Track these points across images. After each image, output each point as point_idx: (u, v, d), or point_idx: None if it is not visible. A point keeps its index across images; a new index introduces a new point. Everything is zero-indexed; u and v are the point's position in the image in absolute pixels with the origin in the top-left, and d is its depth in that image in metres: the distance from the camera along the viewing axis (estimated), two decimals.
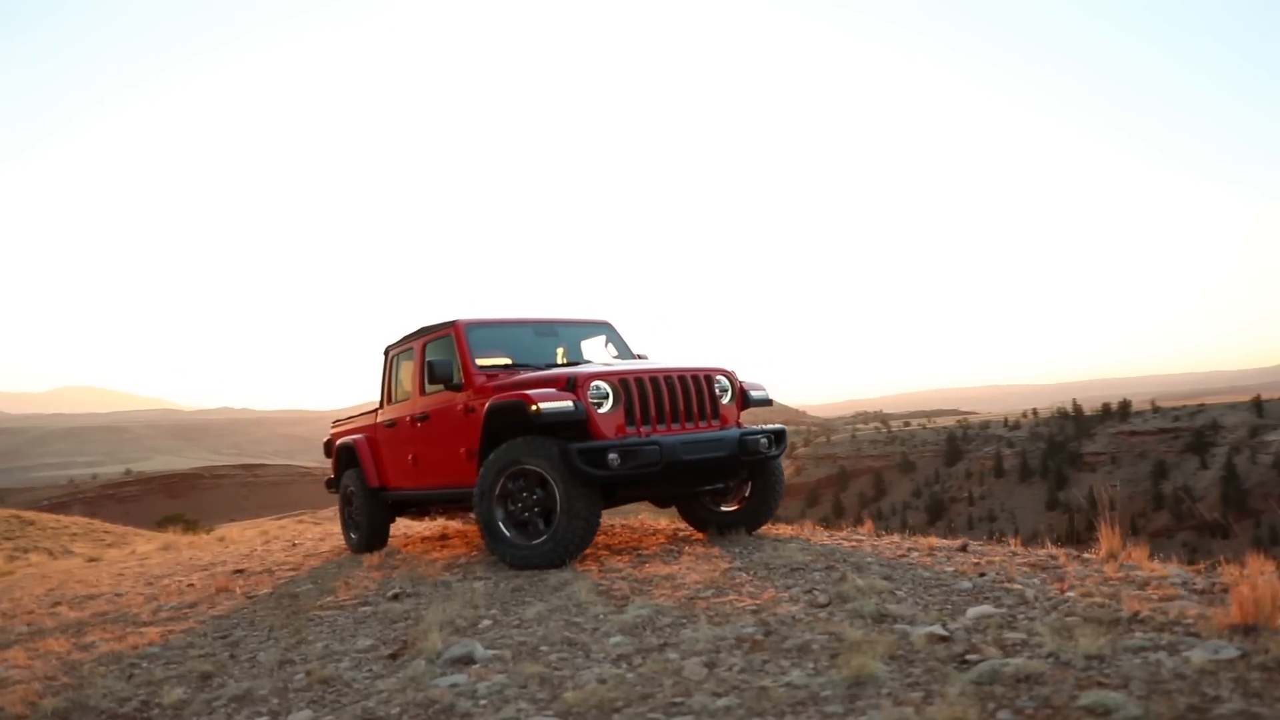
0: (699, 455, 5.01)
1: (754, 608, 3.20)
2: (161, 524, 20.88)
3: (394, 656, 3.07)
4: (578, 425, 4.89)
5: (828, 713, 2.03)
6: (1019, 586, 3.15)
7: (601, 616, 3.34)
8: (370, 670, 2.96)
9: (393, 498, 7.04)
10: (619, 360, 6.29)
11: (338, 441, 7.73)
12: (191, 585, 6.53)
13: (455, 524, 9.09)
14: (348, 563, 6.37)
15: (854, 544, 4.98)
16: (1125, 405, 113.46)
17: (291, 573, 6.35)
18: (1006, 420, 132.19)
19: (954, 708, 1.91)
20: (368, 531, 7.15)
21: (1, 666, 3.99)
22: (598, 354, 6.69)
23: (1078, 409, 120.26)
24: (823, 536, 5.63)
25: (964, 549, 4.45)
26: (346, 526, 7.59)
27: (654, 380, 5.16)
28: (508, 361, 6.07)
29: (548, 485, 4.90)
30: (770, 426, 5.52)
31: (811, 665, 2.38)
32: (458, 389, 5.84)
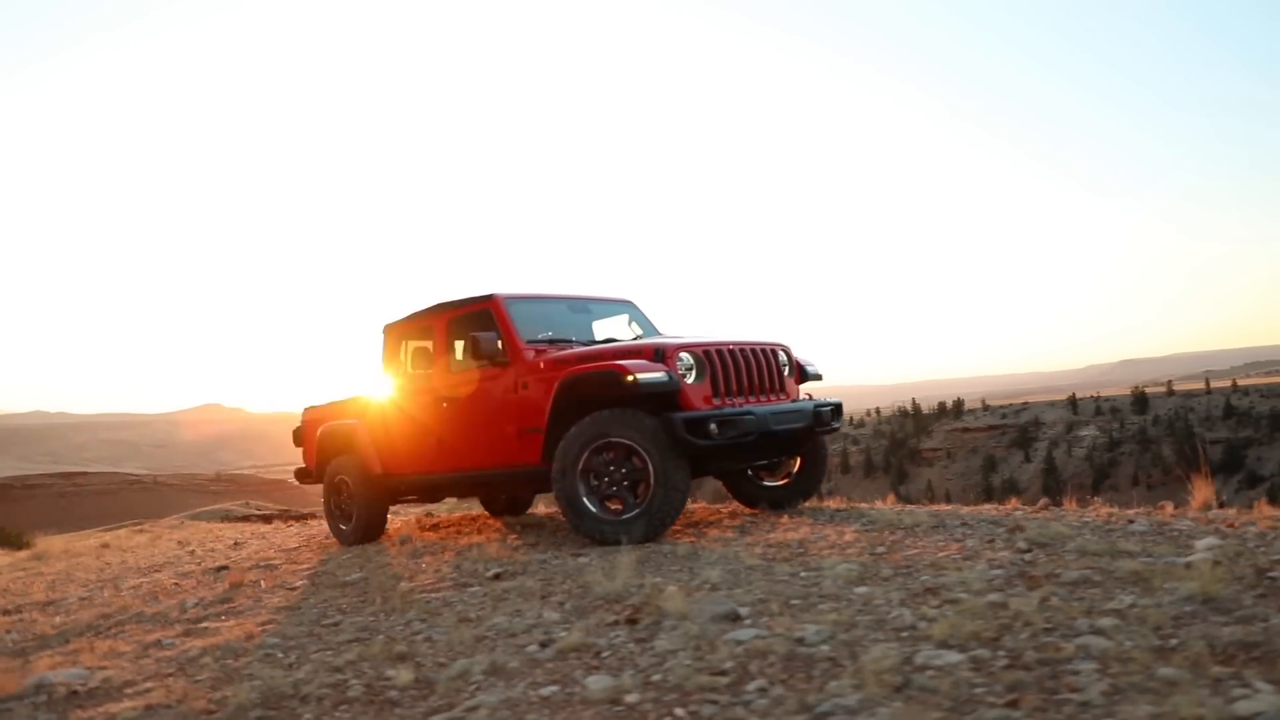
0: (785, 426, 5.08)
1: (962, 555, 3.31)
2: None
3: (631, 622, 2.93)
4: (668, 396, 4.83)
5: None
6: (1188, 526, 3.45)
7: (807, 575, 3.34)
8: (618, 635, 2.81)
9: (400, 484, 6.65)
10: (687, 334, 6.25)
11: (321, 429, 7.20)
12: (178, 585, 5.91)
13: (433, 511, 8.71)
14: (367, 553, 5.94)
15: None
16: (959, 404, 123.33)
17: (300, 566, 5.85)
18: (851, 419, 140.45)
19: None
20: (365, 521, 6.72)
21: (82, 669, 3.46)
22: (621, 333, 6.62)
23: (916, 408, 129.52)
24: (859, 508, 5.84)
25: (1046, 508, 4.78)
26: (334, 518, 7.08)
27: (732, 352, 5.18)
28: (549, 336, 5.90)
29: (637, 458, 4.81)
30: (831, 400, 5.67)
31: (1136, 592, 2.50)
32: (503, 365, 5.61)
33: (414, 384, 6.48)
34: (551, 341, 5.80)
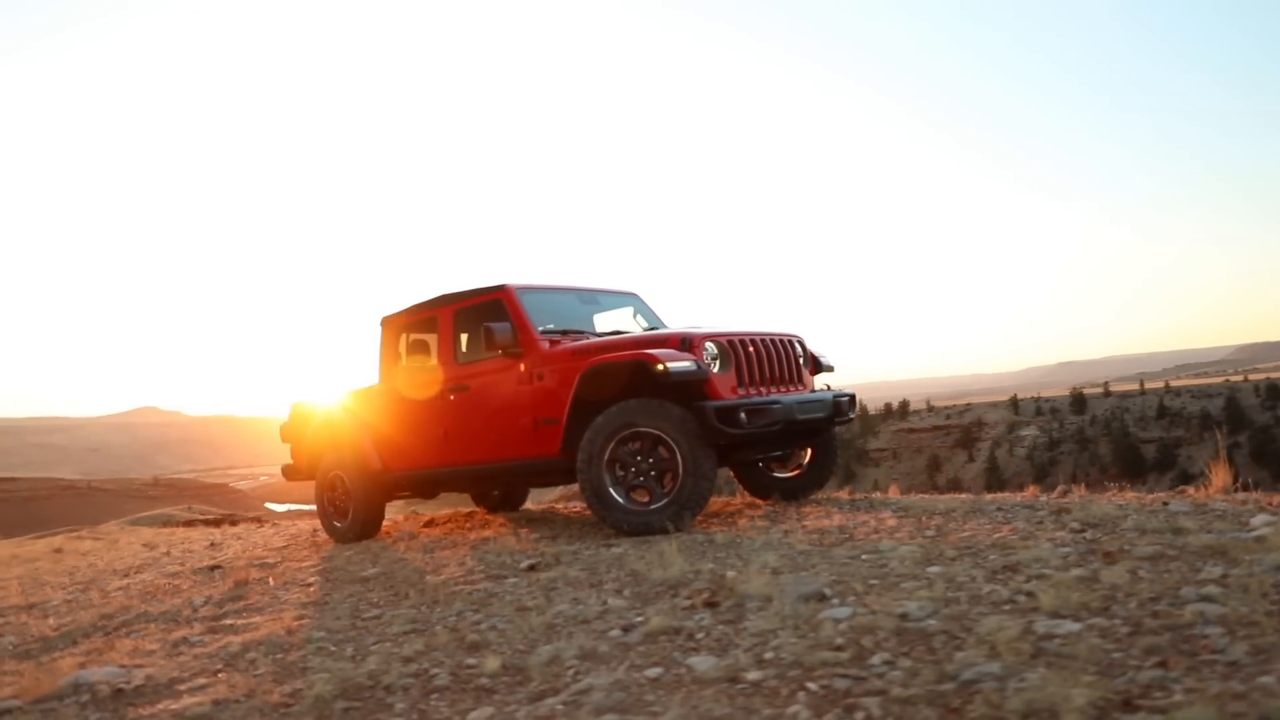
0: (809, 415, 5.13)
1: (1018, 536, 3.38)
2: None
3: (711, 605, 2.91)
4: (695, 386, 4.83)
5: None
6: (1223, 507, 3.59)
7: (869, 557, 3.37)
8: (703, 618, 2.80)
9: (401, 479, 6.52)
10: (706, 324, 6.24)
11: (312, 424, 7.03)
12: (173, 584, 5.70)
13: (427, 508, 8.55)
14: (371, 550, 5.80)
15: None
16: (905, 405, 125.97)
17: (302, 564, 5.69)
18: None
19: None
20: (363, 518, 6.57)
21: (116, 668, 3.31)
22: (626, 325, 6.60)
23: (863, 409, 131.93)
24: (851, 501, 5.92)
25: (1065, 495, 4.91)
26: (328, 515, 6.92)
27: (755, 342, 5.20)
28: (560, 327, 5.85)
29: (664, 447, 4.80)
30: (847, 391, 5.74)
31: (1222, 563, 2.58)
32: (516, 356, 5.55)
33: (416, 377, 6.36)
34: (564, 332, 5.77)
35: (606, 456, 4.88)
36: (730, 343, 5.05)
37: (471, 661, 2.74)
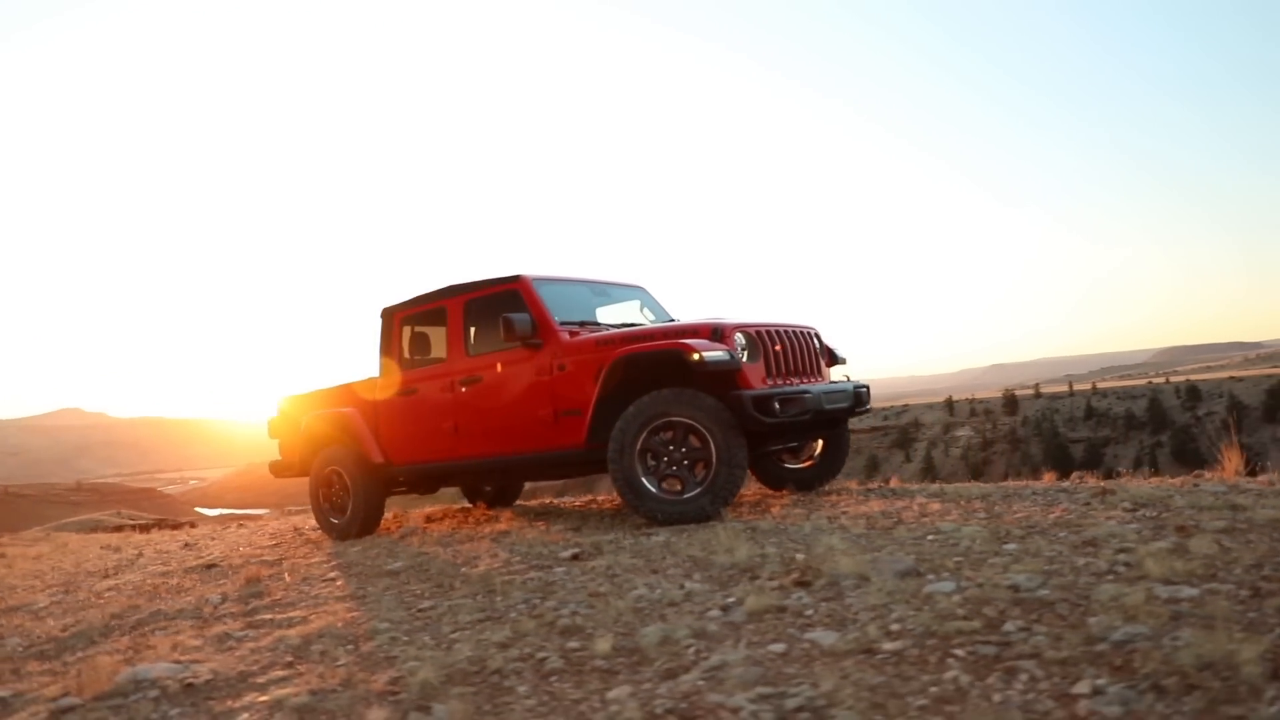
0: (835, 405, 5.23)
1: (1075, 516, 3.52)
2: None
3: (803, 584, 2.96)
4: (727, 376, 4.88)
5: None
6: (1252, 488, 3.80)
7: (935, 538, 3.46)
8: (802, 597, 2.84)
9: (404, 474, 6.41)
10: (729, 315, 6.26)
11: (306, 418, 6.86)
12: (172, 584, 5.49)
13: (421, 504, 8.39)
14: (381, 545, 5.68)
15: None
16: None
17: (311, 560, 5.54)
18: None
19: None
20: (363, 514, 6.45)
21: (173, 664, 3.19)
22: (633, 318, 6.62)
23: None
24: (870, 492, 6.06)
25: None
26: (324, 511, 6.75)
27: (780, 333, 5.28)
28: (574, 319, 5.84)
29: (695, 436, 4.83)
30: (863, 383, 5.86)
31: None
32: (535, 347, 5.52)
33: (423, 369, 6.27)
34: (582, 324, 5.76)
35: (639, 446, 4.89)
36: (758, 333, 5.12)
37: (574, 645, 2.73)
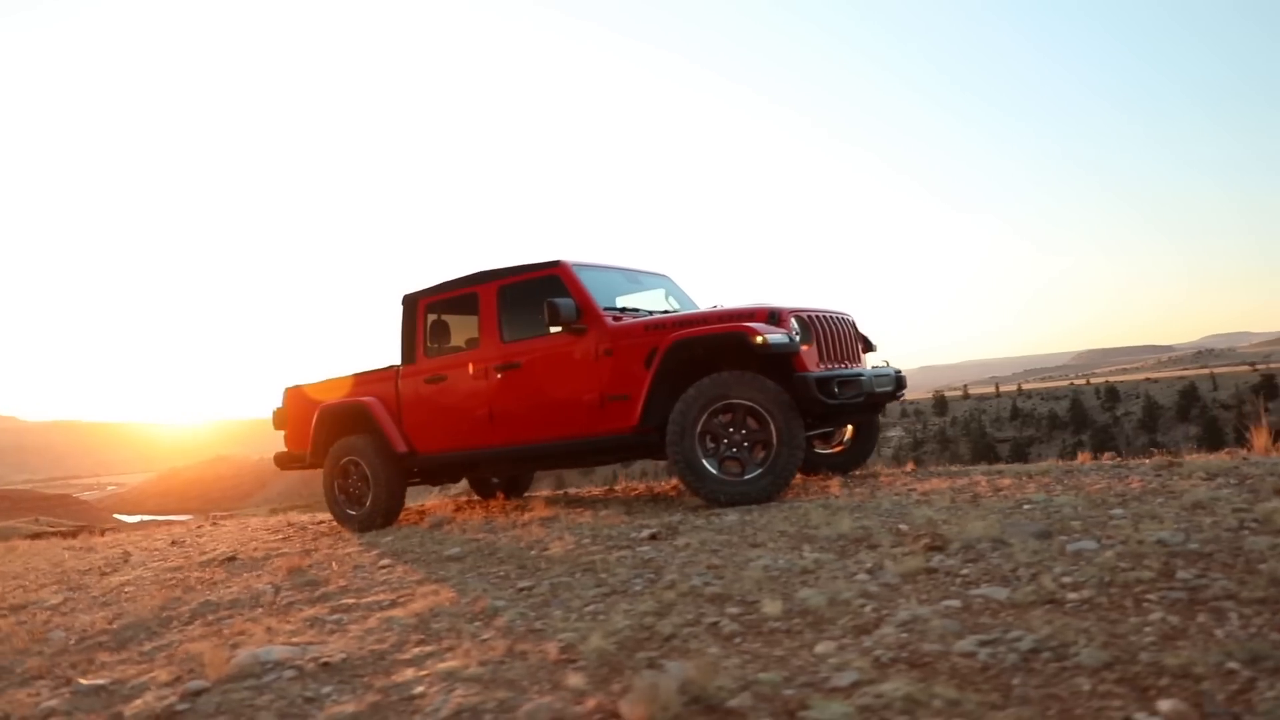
0: (882, 389, 5.39)
1: (1144, 489, 3.72)
2: None
3: (936, 549, 3.06)
4: (786, 359, 4.98)
5: None
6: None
7: (1030, 507, 3.61)
8: (944, 560, 2.93)
9: (430, 463, 6.33)
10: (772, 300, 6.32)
11: (319, 409, 6.70)
12: (200, 578, 5.31)
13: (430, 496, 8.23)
14: (416, 535, 5.58)
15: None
16: None
17: (347, 549, 5.42)
18: None
19: None
20: (384, 504, 6.35)
21: (289, 646, 3.10)
22: (659, 305, 6.68)
23: None
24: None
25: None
26: (339, 503, 6.61)
27: (827, 319, 5.41)
28: (615, 305, 5.86)
29: (753, 418, 4.92)
30: (897, 369, 6.04)
31: None
32: (579, 332, 5.53)
33: (453, 355, 6.20)
34: (623, 309, 5.79)
35: (699, 429, 4.95)
36: (810, 318, 5.24)
37: (735, 610, 2.77)
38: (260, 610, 4.01)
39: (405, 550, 5.04)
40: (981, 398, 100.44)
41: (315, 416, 6.67)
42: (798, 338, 5.09)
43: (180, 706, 2.66)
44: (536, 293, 5.83)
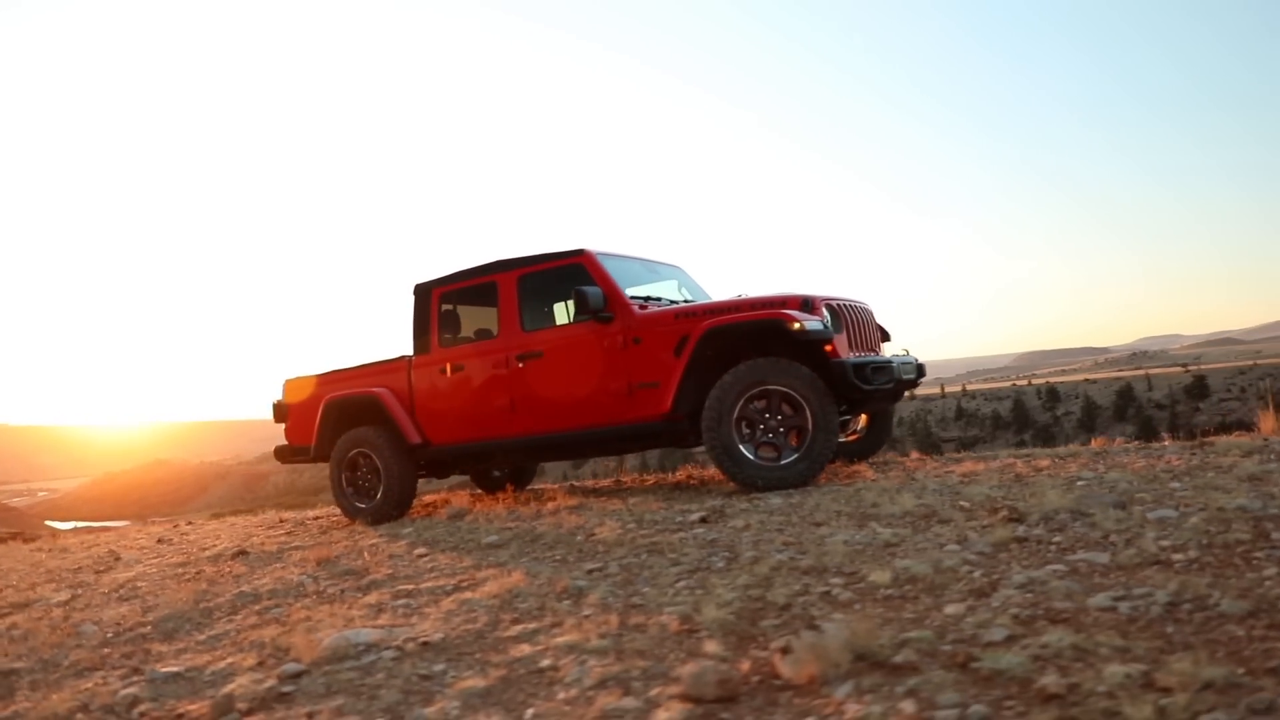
0: (907, 376, 5.53)
1: (1185, 467, 3.91)
2: None
3: (1014, 520, 3.18)
4: (820, 345, 5.07)
5: None
6: None
7: (1084, 483, 3.76)
8: (1029, 530, 3.05)
9: (444, 454, 6.27)
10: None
11: (328, 399, 6.58)
12: (214, 571, 5.18)
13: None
14: (436, 526, 5.53)
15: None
16: None
17: (368, 540, 5.34)
18: None
19: None
20: (396, 496, 6.27)
21: (371, 629, 3.07)
22: (672, 296, 6.73)
23: None
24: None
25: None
26: (347, 496, 6.50)
27: (853, 307, 5.53)
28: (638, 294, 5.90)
29: (788, 404, 5.00)
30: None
31: None
32: (606, 320, 5.55)
33: (470, 345, 6.17)
34: (648, 299, 5.84)
35: (736, 414, 5.01)
36: (839, 307, 5.34)
37: (840, 581, 2.84)
38: (310, 599, 3.95)
39: (437, 540, 4.99)
40: (927, 398, 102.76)
41: (321, 409, 6.54)
42: (829, 325, 5.20)
43: (285, 688, 2.61)
44: (558, 282, 5.83)
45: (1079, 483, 3.79)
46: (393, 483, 6.24)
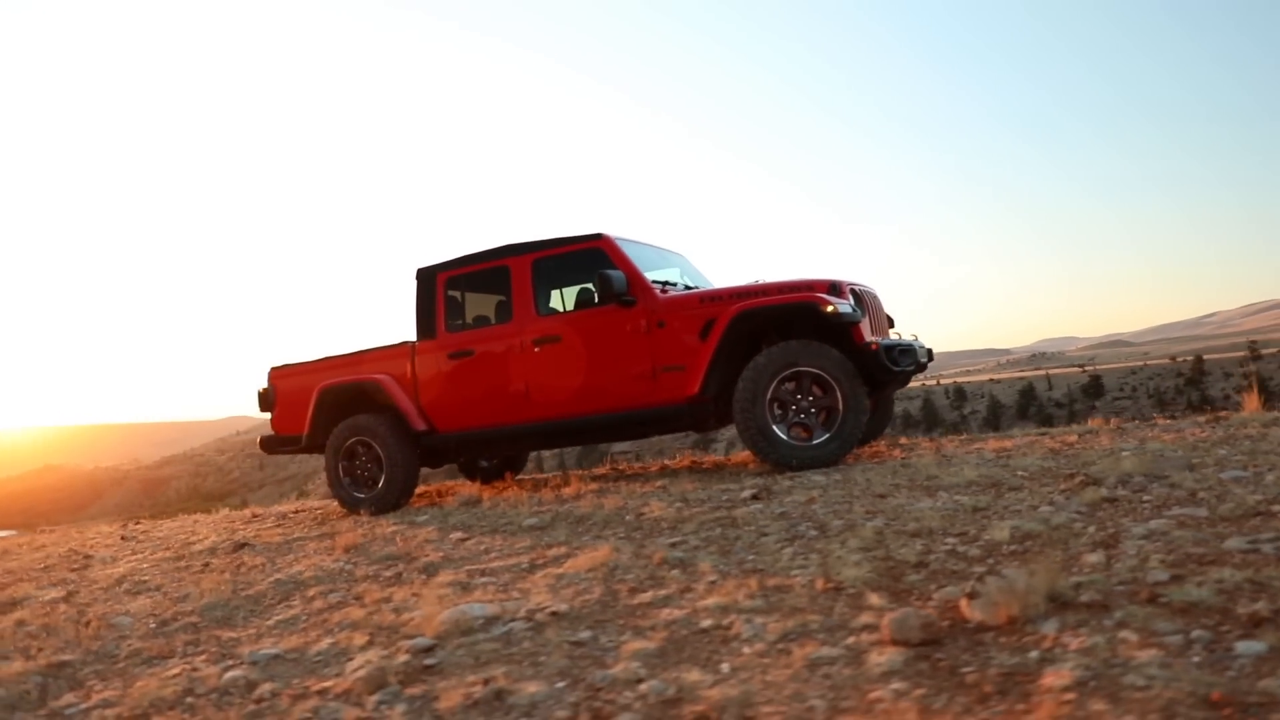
0: (920, 359, 5.75)
1: (1211, 441, 4.23)
2: None
3: (1089, 484, 3.38)
4: (848, 328, 5.24)
5: None
6: None
7: (1131, 453, 4.02)
8: (1109, 493, 3.25)
9: (452, 441, 6.18)
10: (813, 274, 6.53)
11: (323, 386, 6.39)
12: (230, 563, 4.97)
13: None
14: (449, 511, 5.44)
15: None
16: None
17: (390, 529, 5.22)
18: None
19: None
20: (399, 485, 6.15)
21: (486, 605, 3.03)
22: (678, 281, 6.81)
23: None
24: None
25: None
26: (344, 486, 6.33)
27: (868, 293, 5.73)
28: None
29: (818, 386, 5.15)
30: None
31: None
32: (628, 304, 5.59)
33: (481, 330, 6.10)
34: (667, 284, 5.90)
35: (769, 396, 5.13)
36: (860, 291, 5.53)
37: (954, 540, 2.97)
38: (367, 583, 3.84)
39: (468, 525, 4.92)
40: None
41: (315, 397, 6.34)
42: (856, 309, 5.38)
43: (426, 660, 2.57)
44: (575, 266, 5.84)
45: (1123, 452, 4.05)
46: (396, 471, 6.11)
